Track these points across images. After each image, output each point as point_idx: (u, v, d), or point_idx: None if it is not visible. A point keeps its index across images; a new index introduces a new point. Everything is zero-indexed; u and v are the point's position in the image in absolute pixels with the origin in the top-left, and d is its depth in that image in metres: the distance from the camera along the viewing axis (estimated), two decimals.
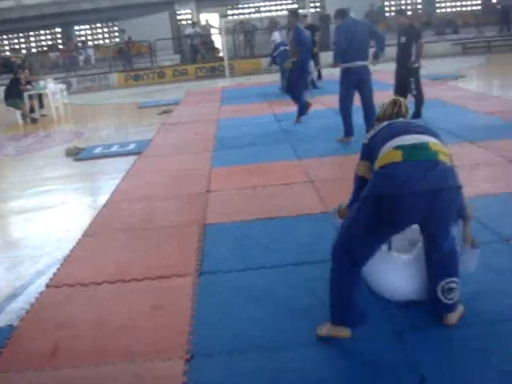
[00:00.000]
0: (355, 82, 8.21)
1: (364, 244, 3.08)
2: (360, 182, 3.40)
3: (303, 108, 9.94)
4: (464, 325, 3.22)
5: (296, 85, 9.99)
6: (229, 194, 6.14)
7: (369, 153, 3.33)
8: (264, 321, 3.46)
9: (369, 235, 3.04)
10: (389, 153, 3.05)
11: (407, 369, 2.87)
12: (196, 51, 25.17)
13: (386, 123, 3.37)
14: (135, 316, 3.66)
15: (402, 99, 3.62)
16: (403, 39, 9.40)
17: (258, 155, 7.83)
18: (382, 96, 10.44)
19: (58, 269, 4.57)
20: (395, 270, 3.45)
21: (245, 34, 25.19)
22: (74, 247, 5.00)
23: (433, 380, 2.76)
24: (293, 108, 10.41)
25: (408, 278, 3.41)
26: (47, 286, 4.27)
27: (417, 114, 9.57)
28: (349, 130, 8.30)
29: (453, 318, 3.24)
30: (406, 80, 9.54)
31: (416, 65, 9.45)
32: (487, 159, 6.67)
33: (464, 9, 29.17)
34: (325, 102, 11.59)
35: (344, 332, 3.12)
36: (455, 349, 3.05)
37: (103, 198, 6.43)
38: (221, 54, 24.65)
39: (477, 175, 6.06)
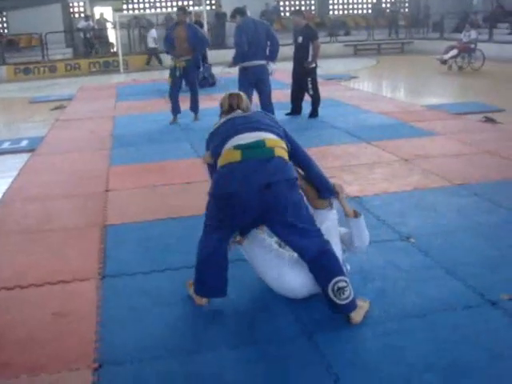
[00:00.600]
0: (253, 81, 8.25)
1: (219, 233, 3.33)
2: (210, 168, 3.56)
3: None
4: (372, 322, 3.28)
5: (194, 84, 9.88)
6: (129, 194, 5.98)
7: (210, 144, 3.46)
8: (174, 324, 3.38)
9: (219, 228, 3.30)
10: (228, 153, 3.21)
11: (321, 370, 2.87)
12: (90, 45, 24.48)
13: (227, 118, 3.49)
14: (36, 325, 3.45)
15: (240, 93, 3.74)
16: (300, 39, 9.51)
17: (157, 153, 7.69)
18: (281, 94, 10.67)
19: None
20: (290, 268, 3.44)
21: (139, 30, 24.76)
22: None
23: (347, 379, 2.78)
24: (188, 105, 10.29)
25: (302, 273, 3.39)
26: None
27: (314, 113, 9.74)
28: None
29: (356, 316, 3.24)
30: (303, 79, 9.67)
31: (313, 64, 9.59)
32: (383, 158, 6.88)
33: (356, 12, 30.07)
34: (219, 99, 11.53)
35: (199, 300, 3.52)
36: (365, 346, 3.09)
37: None
38: (115, 49, 24.11)
39: (374, 174, 6.24)
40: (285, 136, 3.39)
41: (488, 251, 4.20)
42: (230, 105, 3.59)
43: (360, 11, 30.10)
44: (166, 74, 17.25)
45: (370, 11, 29.81)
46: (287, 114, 9.89)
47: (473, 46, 16.84)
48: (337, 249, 3.41)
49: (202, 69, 11.31)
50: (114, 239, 4.75)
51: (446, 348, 3.01)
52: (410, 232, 4.59)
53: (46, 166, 7.41)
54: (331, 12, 29.56)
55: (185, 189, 6.00)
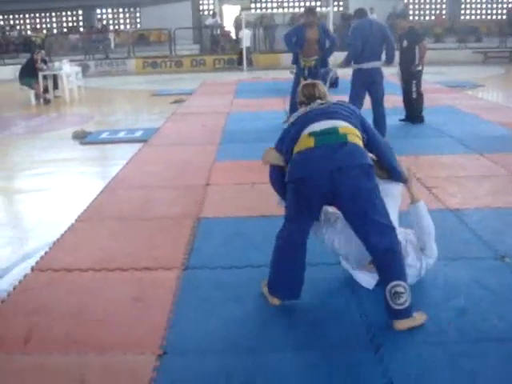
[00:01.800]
0: (367, 84, 8.12)
1: (298, 222, 3.37)
2: (272, 168, 3.69)
3: None
4: (445, 341, 3.13)
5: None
6: (227, 189, 6.07)
7: (285, 146, 3.44)
8: (243, 321, 3.39)
9: (299, 215, 3.34)
10: (303, 140, 3.27)
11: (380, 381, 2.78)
12: (216, 42, 25.09)
13: (304, 109, 3.48)
14: (114, 307, 3.60)
15: (316, 82, 3.75)
16: (405, 43, 9.25)
17: (263, 151, 7.71)
18: (393, 99, 10.44)
19: (46, 253, 4.51)
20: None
21: (265, 29, 25.06)
22: (65, 232, 4.94)
23: None
24: None
25: None
26: (32, 269, 4.21)
27: (417, 118, 9.46)
28: None
29: (401, 324, 3.16)
30: (409, 83, 9.41)
31: (418, 68, 9.29)
32: (493, 172, 6.54)
33: (489, 17, 28.88)
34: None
35: (272, 299, 3.51)
36: (432, 366, 2.94)
37: (102, 184, 6.37)
38: (241, 46, 24.54)
39: (481, 187, 5.95)
40: (361, 125, 3.39)
41: None
42: (306, 95, 3.60)
43: (494, 17, 28.85)
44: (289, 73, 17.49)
45: (504, 17, 28.51)
46: (401, 120, 9.67)
47: None
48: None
49: (331, 72, 11.27)
50: (204, 232, 4.84)
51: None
52: (507, 251, 4.33)
53: (154, 157, 7.67)
54: (462, 16, 28.58)
55: None
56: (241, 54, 22.29)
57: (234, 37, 25.27)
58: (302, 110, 3.50)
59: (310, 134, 3.25)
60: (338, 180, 3.11)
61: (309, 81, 3.81)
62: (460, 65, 22.47)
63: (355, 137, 3.24)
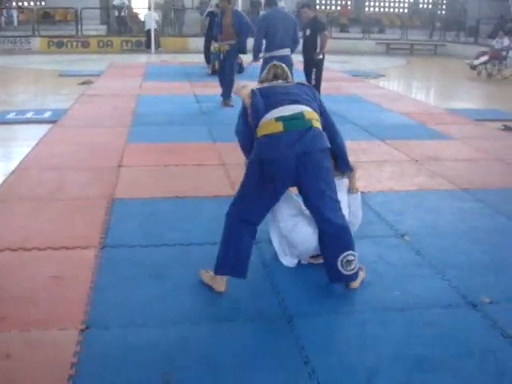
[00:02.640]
0: None
1: (253, 204, 3.51)
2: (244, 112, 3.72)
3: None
4: (351, 311, 3.40)
5: (231, 69, 10.08)
6: (140, 170, 6.15)
7: (259, 104, 3.54)
8: (162, 297, 3.52)
9: (257, 196, 3.48)
10: (270, 123, 3.43)
11: (294, 351, 3.00)
12: (123, 24, 24.73)
13: (270, 84, 3.71)
14: (34, 285, 3.63)
15: (281, 64, 3.91)
16: (308, 31, 9.47)
17: (174, 134, 7.86)
18: None
19: None
20: (308, 223, 3.69)
21: (174, 12, 24.92)
22: None
23: (317, 362, 2.91)
24: (214, 90, 10.49)
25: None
26: None
27: None
28: None
29: (355, 283, 3.63)
30: (309, 70, 9.65)
31: (319, 56, 9.55)
32: (394, 157, 6.96)
33: (392, 10, 29.95)
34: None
35: (218, 284, 3.57)
36: (340, 334, 3.23)
37: (12, 165, 6.29)
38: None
39: (383, 172, 6.33)
40: (319, 109, 3.62)
41: (479, 256, 4.27)
42: (275, 74, 3.80)
43: (396, 10, 29.96)
44: (197, 57, 17.56)
45: (405, 10, 29.66)
46: None
47: (504, 53, 16.73)
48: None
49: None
50: (119, 212, 4.92)
51: (417, 342, 3.12)
52: (407, 230, 4.68)
53: (64, 138, 7.61)
54: (367, 9, 29.49)
55: (195, 171, 6.15)
56: (148, 36, 22.08)
57: (142, 19, 24.98)
58: (267, 84, 3.72)
59: (278, 119, 3.42)
60: (304, 162, 3.37)
61: (276, 62, 3.95)
62: (364, 55, 23.21)
63: (317, 121, 3.49)
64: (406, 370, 2.88)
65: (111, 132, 7.95)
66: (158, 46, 22.22)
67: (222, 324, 3.25)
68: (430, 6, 30.56)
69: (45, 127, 8.21)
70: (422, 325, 3.31)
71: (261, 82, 3.90)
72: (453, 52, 24.77)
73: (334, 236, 3.51)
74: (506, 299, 3.65)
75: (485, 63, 16.80)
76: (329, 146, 3.50)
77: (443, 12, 30.06)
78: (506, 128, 9.08)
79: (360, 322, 3.29)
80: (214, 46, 14.07)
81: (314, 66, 9.57)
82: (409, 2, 29.97)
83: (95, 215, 4.83)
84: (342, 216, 3.56)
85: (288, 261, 3.94)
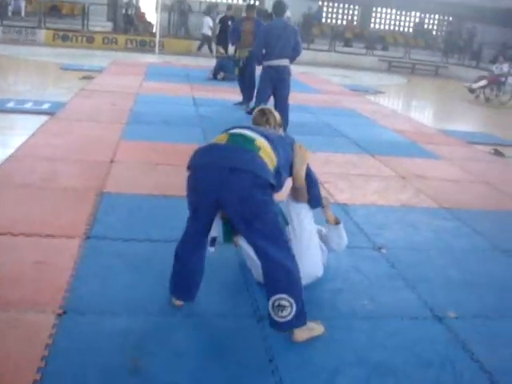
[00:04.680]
0: (274, 80, 8.49)
1: (192, 222, 3.31)
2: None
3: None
4: (319, 317, 3.51)
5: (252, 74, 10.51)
6: (131, 167, 6.27)
7: None
8: (139, 288, 3.64)
9: (193, 219, 3.28)
10: (219, 136, 3.27)
11: (260, 350, 3.13)
12: (130, 22, 24.90)
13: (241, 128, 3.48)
14: (18, 269, 3.74)
15: (270, 109, 3.92)
16: None
17: (169, 134, 8.00)
18: (295, 96, 10.91)
19: None
20: None
21: (180, 14, 25.12)
22: None
23: (281, 362, 3.03)
24: (213, 94, 10.66)
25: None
26: None
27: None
28: None
29: (299, 334, 3.17)
30: None
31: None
32: (382, 172, 7.10)
33: (396, 29, 30.21)
34: None
35: (176, 301, 3.45)
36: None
37: (7, 153, 6.40)
38: (154, 30, 24.51)
39: (368, 186, 6.46)
40: (284, 158, 3.32)
41: (452, 273, 4.39)
42: (261, 121, 3.78)
43: (401, 28, 30.21)
44: (201, 61, 17.73)
45: (410, 30, 29.91)
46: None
47: (503, 79, 16.95)
48: (314, 244, 3.75)
49: None
50: (106, 205, 5.03)
51: (379, 349, 3.25)
52: (384, 243, 4.81)
53: (60, 130, 7.72)
54: (372, 25, 29.73)
55: (183, 171, 6.20)
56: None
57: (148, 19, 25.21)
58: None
59: (227, 133, 3.26)
60: (228, 179, 3.00)
61: (265, 106, 3.97)
62: (366, 70, 23.41)
63: (267, 157, 3.14)
64: (366, 375, 3.00)
65: (107, 128, 8.08)
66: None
67: (193, 318, 3.37)
68: (435, 27, 30.84)
69: (42, 118, 8.34)
70: (387, 333, 3.43)
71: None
72: (454, 74, 25.03)
73: (265, 273, 3.12)
74: (472, 316, 3.78)
75: (483, 87, 17.01)
76: (270, 180, 3.07)
77: (447, 34, 30.29)
78: (496, 152, 9.25)
79: (327, 327, 3.40)
80: (220, 50, 14.40)
81: None
82: (414, 22, 30.22)
83: (83, 207, 4.95)
84: (289, 256, 3.11)
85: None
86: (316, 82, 16.65)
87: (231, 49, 11.92)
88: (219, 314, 3.45)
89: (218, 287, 3.76)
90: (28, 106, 9.25)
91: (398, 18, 30.06)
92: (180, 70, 16.63)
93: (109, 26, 25.18)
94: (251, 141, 3.16)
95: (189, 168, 3.23)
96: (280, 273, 3.06)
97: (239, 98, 11.18)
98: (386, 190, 6.37)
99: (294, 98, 10.09)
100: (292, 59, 8.54)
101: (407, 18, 30.20)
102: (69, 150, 6.70)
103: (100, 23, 24.40)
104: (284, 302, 3.04)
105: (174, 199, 5.35)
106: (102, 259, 4.00)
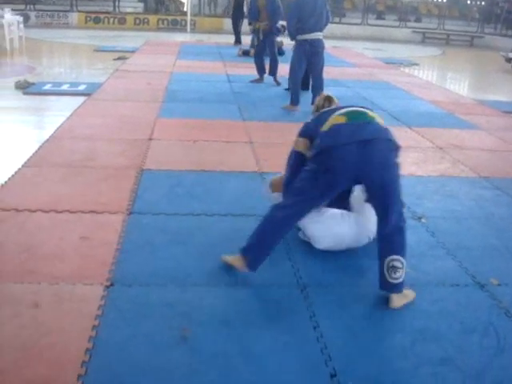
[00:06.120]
0: (309, 54, 8.42)
1: (303, 201, 3.41)
2: (296, 157, 3.75)
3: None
4: (365, 284, 3.54)
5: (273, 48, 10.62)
6: (170, 144, 6.35)
7: (311, 131, 3.65)
8: (184, 261, 3.72)
9: (310, 192, 3.37)
10: (333, 118, 3.41)
11: (305, 317, 3.18)
12: (161, 2, 24.93)
13: (328, 108, 3.73)
14: (64, 244, 3.85)
15: (332, 95, 4.04)
16: None
17: (205, 111, 8.05)
18: (328, 70, 10.84)
19: None
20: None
21: None
22: (13, 176, 5.11)
23: (325, 329, 3.08)
24: (246, 71, 10.68)
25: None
26: None
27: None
28: (295, 99, 8.57)
29: (396, 300, 3.33)
30: None
31: None
32: (420, 144, 7.06)
33: None
34: (279, 70, 11.72)
35: (240, 264, 3.49)
36: (349, 304, 3.38)
37: (47, 133, 6.52)
38: (185, 9, 24.50)
39: (407, 157, 6.41)
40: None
41: (492, 240, 4.39)
42: (324, 105, 3.91)
43: None
44: (231, 38, 17.72)
45: (444, 0, 29.33)
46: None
47: None
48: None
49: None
50: (147, 182, 5.12)
51: (422, 316, 3.28)
52: (424, 213, 4.81)
53: (98, 111, 7.84)
54: None
55: (222, 147, 6.32)
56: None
57: None
58: (325, 109, 3.75)
59: (341, 114, 3.40)
60: (367, 150, 3.19)
61: (328, 93, 4.08)
62: (399, 43, 23.10)
63: (382, 122, 3.43)
64: (410, 341, 3.03)
65: (143, 106, 8.16)
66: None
67: (238, 288, 3.44)
68: None
69: (79, 99, 8.45)
70: (429, 300, 3.46)
71: (315, 111, 3.93)
72: (490, 44, 24.51)
73: (384, 234, 3.36)
74: None
75: None
76: (397, 142, 3.37)
77: (483, 3, 29.64)
78: None
79: (368, 295, 3.44)
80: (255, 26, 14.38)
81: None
82: None
83: (124, 184, 5.04)
84: (400, 216, 3.36)
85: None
86: (350, 56, 16.51)
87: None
88: (263, 284, 3.50)
89: None
90: (65, 87, 9.39)
91: None
92: (212, 47, 16.66)
93: (140, 6, 25.23)
94: (365, 113, 3.43)
95: (320, 151, 3.33)
96: (397, 235, 3.34)
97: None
98: (425, 161, 6.34)
99: (329, 72, 10.07)
100: (323, 30, 8.47)
101: None
102: (107, 130, 6.80)
103: (131, 4, 24.49)
104: (398, 264, 3.30)
105: (213, 174, 5.43)
106: (145, 233, 4.08)
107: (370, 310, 3.32)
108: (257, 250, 3.49)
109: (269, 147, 6.39)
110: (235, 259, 3.53)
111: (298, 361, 2.82)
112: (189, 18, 22.30)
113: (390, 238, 3.34)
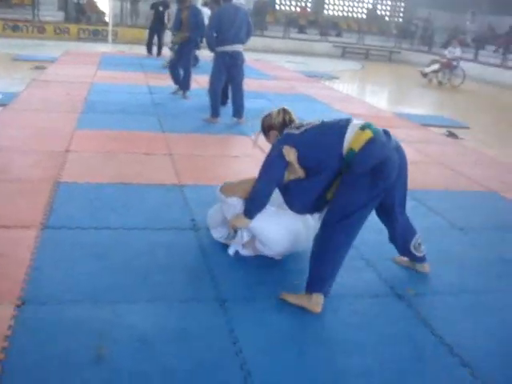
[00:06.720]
0: (228, 66, 8.41)
1: (360, 218, 3.48)
2: (282, 167, 3.62)
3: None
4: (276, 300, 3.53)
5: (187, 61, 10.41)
6: (88, 156, 6.18)
7: (301, 144, 3.54)
8: (101, 276, 3.60)
9: (366, 207, 3.49)
10: (360, 135, 3.40)
11: (223, 333, 3.14)
12: (82, 11, 24.49)
13: (317, 123, 3.62)
14: None
15: (286, 107, 4.00)
16: None
17: (125, 123, 7.92)
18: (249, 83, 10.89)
19: None
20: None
21: (131, 3, 24.86)
22: None
23: (244, 343, 3.05)
24: (167, 82, 10.60)
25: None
26: None
27: None
28: (215, 111, 8.53)
29: (427, 266, 4.14)
30: None
31: None
32: None
33: (350, 14, 30.36)
34: (199, 82, 11.69)
35: (316, 302, 3.40)
36: (267, 318, 3.35)
37: None
38: (106, 19, 24.16)
39: None
40: None
41: None
42: (285, 120, 3.89)
43: (354, 14, 30.38)
44: (153, 49, 17.56)
45: (364, 16, 30.12)
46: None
47: (455, 63, 17.19)
48: None
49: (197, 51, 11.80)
50: (63, 195, 4.95)
51: (338, 327, 3.32)
52: None
53: (14, 121, 7.57)
54: (326, 11, 29.82)
55: (142, 159, 6.21)
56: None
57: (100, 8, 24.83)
58: (313, 123, 3.63)
59: (363, 128, 3.43)
60: (400, 156, 3.58)
61: (284, 107, 4.00)
62: (320, 56, 23.51)
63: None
64: (330, 353, 3.04)
65: (61, 117, 7.95)
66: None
67: (156, 303, 3.35)
68: (388, 13, 31.11)
69: None
70: (347, 312, 3.48)
71: (271, 127, 3.92)
72: (407, 59, 25.34)
73: (403, 222, 3.97)
74: (431, 292, 3.86)
75: (436, 71, 17.26)
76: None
77: (400, 20, 30.61)
78: (450, 134, 9.41)
79: (289, 308, 3.42)
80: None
81: None
82: (367, 8, 30.44)
83: (39, 197, 4.86)
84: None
85: (231, 249, 4.07)
86: (271, 69, 16.65)
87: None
88: (182, 299, 3.43)
89: (179, 272, 3.74)
90: None
91: (350, 3, 30.20)
92: (134, 58, 16.46)
93: (60, 15, 24.65)
94: (371, 123, 3.58)
95: (374, 167, 3.41)
96: (409, 221, 4.06)
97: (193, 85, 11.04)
98: None
99: (250, 84, 10.10)
100: (245, 42, 8.49)
101: (360, 4, 30.38)
102: (23, 141, 6.57)
103: (51, 13, 23.89)
104: (420, 240, 4.07)
105: (132, 187, 5.32)
106: (60, 249, 3.93)
107: (290, 322, 3.30)
108: (332, 279, 3.49)
109: (189, 159, 6.33)
110: (306, 300, 3.44)
111: (218, 377, 2.76)
112: (110, 28, 21.96)
113: (409, 223, 4.02)
